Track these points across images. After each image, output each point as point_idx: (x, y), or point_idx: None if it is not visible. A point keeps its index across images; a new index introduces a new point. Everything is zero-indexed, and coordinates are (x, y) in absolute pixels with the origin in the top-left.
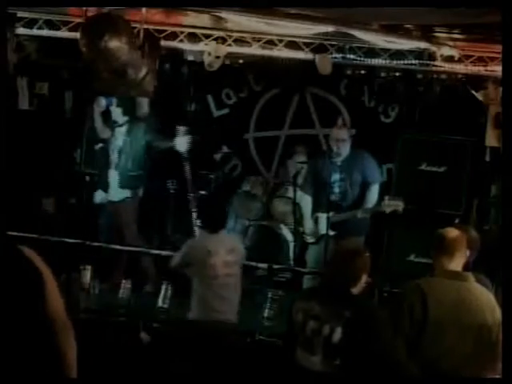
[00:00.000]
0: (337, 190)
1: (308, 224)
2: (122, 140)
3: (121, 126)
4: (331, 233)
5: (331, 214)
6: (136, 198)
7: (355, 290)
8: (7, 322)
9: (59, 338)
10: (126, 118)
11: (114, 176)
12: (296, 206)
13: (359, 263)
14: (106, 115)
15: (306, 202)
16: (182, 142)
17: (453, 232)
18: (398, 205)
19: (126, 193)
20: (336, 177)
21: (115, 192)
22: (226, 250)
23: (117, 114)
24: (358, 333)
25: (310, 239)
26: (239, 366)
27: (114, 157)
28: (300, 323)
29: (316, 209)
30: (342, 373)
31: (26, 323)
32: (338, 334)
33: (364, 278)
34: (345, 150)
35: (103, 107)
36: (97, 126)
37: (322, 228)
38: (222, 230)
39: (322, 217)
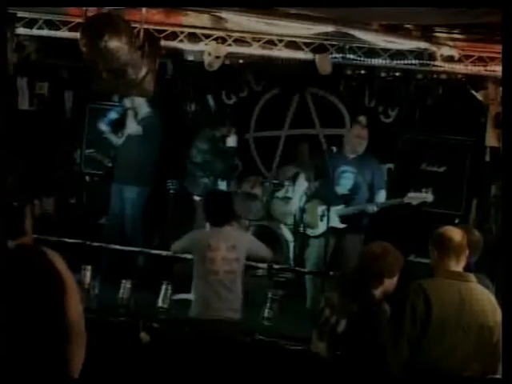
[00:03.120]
0: (347, 182)
1: (303, 215)
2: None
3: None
4: (341, 226)
5: (341, 206)
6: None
7: (377, 292)
8: (23, 324)
9: (71, 347)
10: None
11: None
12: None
13: (380, 267)
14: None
15: (300, 190)
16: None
17: (455, 232)
18: (427, 197)
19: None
20: (348, 169)
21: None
22: (226, 247)
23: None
24: (359, 329)
25: (311, 232)
26: (239, 366)
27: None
28: (319, 309)
29: (322, 201)
30: (342, 363)
31: (42, 328)
32: (341, 326)
33: (388, 282)
34: (361, 148)
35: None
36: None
37: (330, 221)
38: (227, 226)
39: (330, 209)
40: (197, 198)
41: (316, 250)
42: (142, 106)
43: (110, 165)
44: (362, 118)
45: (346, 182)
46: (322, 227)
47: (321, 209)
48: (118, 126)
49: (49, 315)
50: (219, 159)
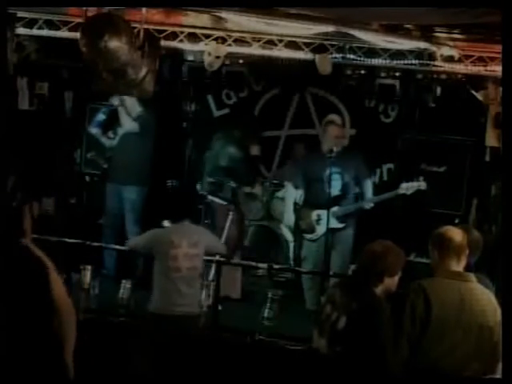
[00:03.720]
0: (336, 183)
1: (290, 217)
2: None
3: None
4: (340, 225)
5: (335, 208)
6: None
7: (378, 290)
8: (16, 308)
9: (63, 324)
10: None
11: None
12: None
13: (380, 265)
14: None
15: (290, 194)
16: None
17: (456, 232)
18: (420, 184)
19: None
20: (334, 170)
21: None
22: (188, 243)
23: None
24: (359, 326)
25: (309, 237)
26: (239, 366)
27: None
28: (321, 305)
29: (315, 206)
30: (341, 361)
31: (33, 309)
32: (341, 323)
33: (389, 280)
34: (339, 147)
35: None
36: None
37: (324, 225)
38: (186, 221)
39: (323, 213)
40: (219, 201)
41: (315, 252)
42: (133, 104)
43: (105, 166)
44: (335, 117)
45: (335, 183)
46: (320, 230)
47: (315, 213)
48: (109, 126)
49: (36, 292)
50: (244, 166)
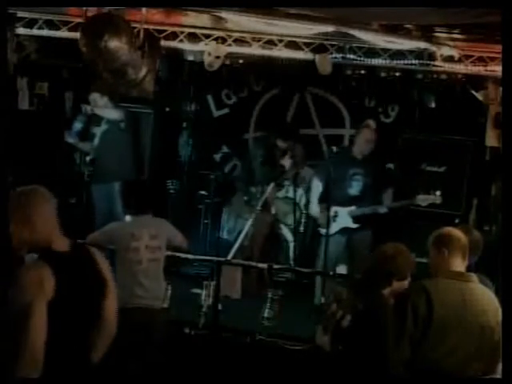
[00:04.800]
0: (357, 184)
1: (316, 211)
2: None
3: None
4: (354, 225)
5: (352, 207)
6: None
7: (386, 292)
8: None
9: (99, 341)
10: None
11: None
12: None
13: (390, 268)
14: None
15: (316, 188)
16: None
17: (456, 232)
18: (436, 199)
19: None
20: (357, 171)
21: None
22: (149, 235)
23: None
24: (363, 326)
25: (324, 232)
26: (239, 366)
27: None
28: (327, 303)
29: (334, 202)
30: (343, 359)
31: (79, 318)
32: (346, 322)
33: (398, 284)
34: (369, 151)
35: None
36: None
37: (341, 221)
38: (147, 214)
39: (340, 210)
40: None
41: (329, 248)
42: (106, 103)
43: (90, 169)
44: (372, 122)
45: (356, 183)
46: (334, 227)
47: (333, 209)
48: (86, 132)
49: (87, 311)
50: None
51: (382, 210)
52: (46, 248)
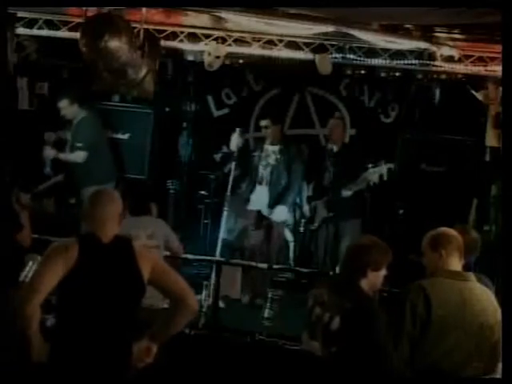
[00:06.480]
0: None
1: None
2: None
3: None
4: (330, 214)
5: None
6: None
7: (364, 284)
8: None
9: (181, 318)
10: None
11: None
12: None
13: (364, 258)
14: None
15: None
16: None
17: (452, 231)
18: (382, 168)
19: None
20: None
21: None
22: (146, 235)
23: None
24: (354, 325)
25: (311, 226)
26: (239, 366)
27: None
28: (309, 308)
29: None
30: (338, 361)
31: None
32: (336, 323)
33: (373, 275)
34: (340, 140)
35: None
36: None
37: (322, 213)
38: (144, 215)
39: (319, 203)
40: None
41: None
42: (74, 108)
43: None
44: (338, 114)
45: (328, 175)
46: (316, 220)
47: (312, 203)
48: (62, 142)
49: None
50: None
51: (346, 193)
52: (90, 233)
